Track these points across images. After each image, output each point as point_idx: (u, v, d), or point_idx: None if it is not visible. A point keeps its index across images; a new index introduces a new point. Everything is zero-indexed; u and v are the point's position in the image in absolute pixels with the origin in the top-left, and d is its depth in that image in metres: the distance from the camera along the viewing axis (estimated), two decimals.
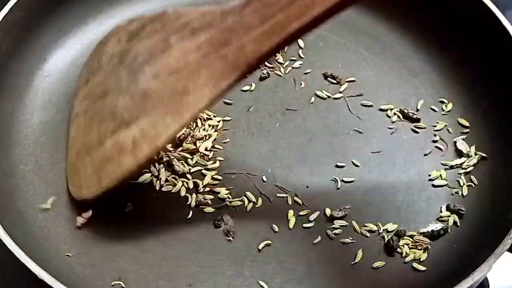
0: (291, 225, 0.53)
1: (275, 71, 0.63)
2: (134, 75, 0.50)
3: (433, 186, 0.56)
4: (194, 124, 0.59)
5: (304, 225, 0.54)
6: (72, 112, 0.57)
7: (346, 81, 0.62)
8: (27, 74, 0.60)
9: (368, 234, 0.53)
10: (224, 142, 0.58)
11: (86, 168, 0.51)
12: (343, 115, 0.60)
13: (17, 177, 0.55)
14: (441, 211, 0.55)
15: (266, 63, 0.63)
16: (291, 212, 0.54)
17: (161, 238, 0.52)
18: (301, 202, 0.55)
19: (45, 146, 0.57)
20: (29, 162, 0.56)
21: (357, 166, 0.57)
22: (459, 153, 0.58)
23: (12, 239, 0.46)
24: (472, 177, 0.57)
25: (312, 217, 0.54)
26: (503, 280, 0.53)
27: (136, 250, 0.52)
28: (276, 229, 0.53)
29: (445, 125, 0.60)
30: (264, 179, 0.56)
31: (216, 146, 0.58)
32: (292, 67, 0.63)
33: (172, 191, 0.55)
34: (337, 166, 0.57)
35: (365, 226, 0.54)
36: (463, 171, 0.57)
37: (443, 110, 0.61)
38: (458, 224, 0.54)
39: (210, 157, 0.57)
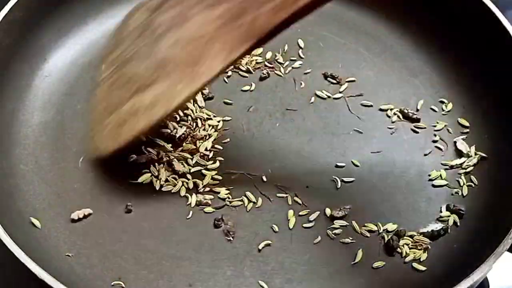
0: (291, 225, 0.53)
1: (275, 71, 0.63)
2: (154, 44, 0.53)
3: (433, 186, 0.56)
4: (194, 124, 0.59)
5: (304, 225, 0.54)
6: (98, 78, 0.59)
7: (346, 81, 0.62)
8: (27, 74, 0.60)
9: (368, 234, 0.53)
10: (224, 142, 0.58)
11: (106, 127, 0.54)
12: (343, 115, 0.60)
13: (17, 177, 0.55)
14: (441, 211, 0.55)
15: (266, 63, 0.63)
16: (291, 212, 0.54)
17: (161, 238, 0.52)
18: (301, 202, 0.55)
19: (45, 146, 0.57)
20: (29, 162, 0.56)
21: (357, 166, 0.57)
22: (459, 153, 0.58)
23: (12, 239, 0.46)
24: (472, 177, 0.57)
25: (312, 217, 0.54)
26: (503, 280, 0.53)
27: (136, 250, 0.52)
28: (276, 229, 0.53)
29: (445, 125, 0.60)
30: (264, 179, 0.56)
31: (216, 146, 0.58)
32: (292, 67, 0.63)
33: (172, 191, 0.55)
34: (337, 166, 0.57)
35: (365, 226, 0.54)
36: (463, 171, 0.57)
37: (443, 110, 0.61)
38: (458, 224, 0.54)
39: (210, 157, 0.57)
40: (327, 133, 0.59)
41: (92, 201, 0.54)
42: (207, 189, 0.55)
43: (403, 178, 0.57)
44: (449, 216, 0.54)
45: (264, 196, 0.55)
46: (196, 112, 0.59)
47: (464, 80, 0.62)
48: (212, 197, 0.55)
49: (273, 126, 0.59)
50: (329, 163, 0.57)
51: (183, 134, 0.57)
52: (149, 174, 0.55)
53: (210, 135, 0.58)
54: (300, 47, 0.65)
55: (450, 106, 0.61)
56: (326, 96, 0.61)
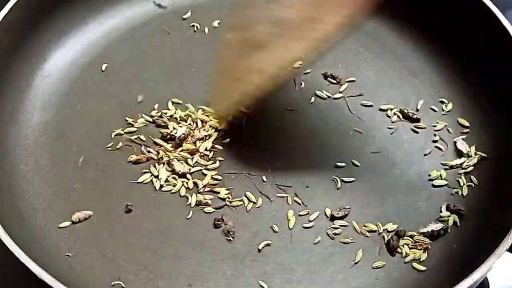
0: (291, 225, 0.53)
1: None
2: (273, 5, 0.54)
3: (433, 186, 0.56)
4: (194, 124, 0.59)
5: (304, 225, 0.54)
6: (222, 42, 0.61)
7: (346, 81, 0.62)
8: (27, 74, 0.60)
9: (368, 234, 0.53)
10: (224, 142, 0.58)
11: (225, 87, 0.58)
12: (343, 115, 0.60)
13: (17, 177, 0.55)
14: (441, 211, 0.55)
15: None
16: (291, 212, 0.54)
17: (161, 238, 0.52)
18: (301, 202, 0.55)
19: (45, 146, 0.57)
20: (29, 162, 0.56)
21: (357, 166, 0.57)
22: (459, 153, 0.58)
23: (12, 239, 0.46)
24: (472, 177, 0.57)
25: (312, 217, 0.54)
26: (503, 280, 0.53)
27: (136, 250, 0.52)
28: (276, 229, 0.53)
29: (445, 125, 0.60)
30: (264, 179, 0.56)
31: (216, 146, 0.58)
32: (292, 67, 0.63)
33: (172, 191, 0.55)
34: (337, 166, 0.57)
35: (365, 226, 0.54)
36: (463, 171, 0.57)
37: (443, 110, 0.61)
38: (458, 224, 0.54)
39: (210, 157, 0.57)
40: (327, 133, 0.59)
41: (92, 201, 0.54)
42: (207, 189, 0.55)
43: (403, 178, 0.57)
44: (449, 216, 0.54)
45: (264, 196, 0.55)
46: (196, 112, 0.59)
47: (464, 80, 0.62)
48: (212, 197, 0.55)
49: (273, 126, 0.59)
50: (329, 163, 0.57)
51: (183, 134, 0.57)
52: (149, 174, 0.55)
53: (210, 135, 0.58)
54: None
55: (450, 106, 0.61)
56: (326, 96, 0.61)
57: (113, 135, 0.58)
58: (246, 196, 0.55)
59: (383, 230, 0.53)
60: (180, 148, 0.57)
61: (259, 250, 0.52)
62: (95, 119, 0.59)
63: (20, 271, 0.45)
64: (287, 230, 0.53)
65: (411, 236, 0.53)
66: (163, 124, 0.59)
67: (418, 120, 0.60)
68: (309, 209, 0.54)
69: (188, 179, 0.55)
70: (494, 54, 0.60)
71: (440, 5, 0.64)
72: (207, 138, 0.58)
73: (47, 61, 0.62)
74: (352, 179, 0.56)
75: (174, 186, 0.55)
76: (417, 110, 0.61)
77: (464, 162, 0.58)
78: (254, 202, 0.55)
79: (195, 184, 0.55)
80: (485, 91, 0.61)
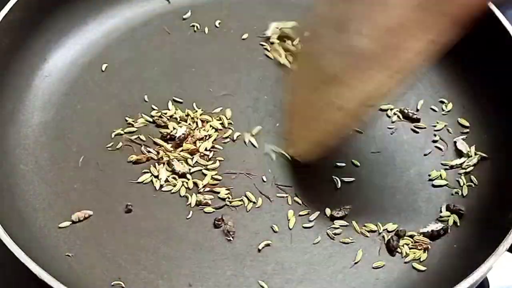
0: (291, 225, 0.53)
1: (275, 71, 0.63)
2: (347, 35, 0.50)
3: (433, 186, 0.56)
4: (194, 124, 0.59)
5: (304, 225, 0.54)
6: (288, 75, 0.58)
7: None
8: (27, 74, 0.60)
9: (368, 234, 0.53)
10: (224, 142, 0.58)
11: (299, 128, 0.54)
12: None
13: (17, 177, 0.55)
14: (441, 211, 0.55)
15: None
16: (291, 212, 0.54)
17: (161, 238, 0.52)
18: (301, 202, 0.55)
19: (45, 146, 0.57)
20: (29, 162, 0.56)
21: (357, 166, 0.57)
22: (459, 153, 0.58)
23: (12, 239, 0.46)
24: (472, 177, 0.57)
25: (312, 217, 0.54)
26: (503, 280, 0.53)
27: (136, 250, 0.52)
28: (276, 229, 0.53)
29: (445, 125, 0.60)
30: (264, 179, 0.56)
31: (216, 146, 0.58)
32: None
33: (172, 191, 0.55)
34: (337, 166, 0.57)
35: (365, 226, 0.54)
36: (463, 171, 0.57)
37: (443, 110, 0.61)
38: (458, 224, 0.54)
39: (210, 157, 0.57)
40: None
41: (92, 201, 0.54)
42: (207, 189, 0.55)
43: (403, 178, 0.57)
44: (449, 216, 0.54)
45: (264, 196, 0.55)
46: (196, 112, 0.59)
47: (464, 80, 0.62)
48: (212, 197, 0.55)
49: (273, 126, 0.59)
50: (329, 163, 0.57)
51: (183, 134, 0.57)
52: (149, 174, 0.55)
53: (210, 135, 0.58)
54: None
55: (450, 106, 0.61)
56: None
57: (113, 135, 0.58)
58: (246, 196, 0.55)
59: (383, 230, 0.53)
60: (180, 148, 0.57)
61: (259, 250, 0.52)
62: (95, 119, 0.59)
63: (20, 271, 0.45)
64: (287, 230, 0.53)
65: (411, 236, 0.53)
66: (163, 124, 0.59)
67: (418, 120, 0.60)
68: (309, 209, 0.54)
69: (188, 179, 0.55)
70: (494, 54, 0.60)
71: None
72: (207, 138, 0.58)
73: (47, 61, 0.62)
74: (352, 179, 0.56)
75: (174, 186, 0.55)
76: (417, 110, 0.61)
77: (464, 162, 0.58)
78: (254, 202, 0.55)
79: (195, 184, 0.55)
80: (485, 91, 0.61)
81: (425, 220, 0.54)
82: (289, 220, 0.54)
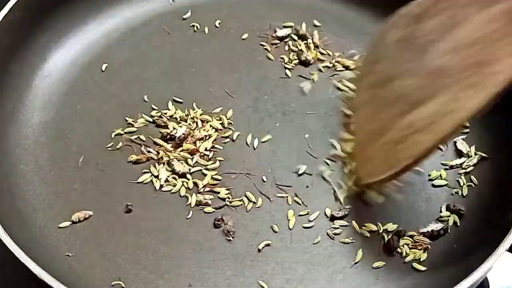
0: (291, 225, 0.53)
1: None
2: (424, 55, 0.49)
3: (433, 186, 0.56)
4: (194, 124, 0.59)
5: (304, 225, 0.54)
6: (353, 103, 0.57)
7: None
8: (27, 74, 0.60)
9: (368, 234, 0.53)
10: (224, 142, 0.58)
11: (376, 153, 0.52)
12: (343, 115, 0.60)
13: (17, 177, 0.55)
14: (441, 211, 0.55)
15: None
16: (291, 212, 0.54)
17: (161, 238, 0.52)
18: (301, 202, 0.55)
19: (45, 146, 0.57)
20: (29, 162, 0.56)
21: None
22: (459, 153, 0.58)
23: (12, 239, 0.46)
24: (472, 177, 0.57)
25: (312, 217, 0.54)
26: (503, 280, 0.53)
27: (136, 250, 0.52)
28: (276, 229, 0.53)
29: None
30: (264, 179, 0.56)
31: (216, 146, 0.58)
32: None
33: (172, 191, 0.55)
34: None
35: (365, 226, 0.54)
36: (463, 171, 0.57)
37: None
38: (458, 224, 0.54)
39: (210, 157, 0.57)
40: (327, 133, 0.59)
41: (92, 201, 0.54)
42: (207, 189, 0.55)
43: (403, 178, 0.57)
44: (449, 216, 0.54)
45: (264, 196, 0.55)
46: (196, 112, 0.59)
47: None
48: (212, 197, 0.55)
49: (273, 126, 0.59)
50: (329, 163, 0.57)
51: (183, 134, 0.57)
52: (149, 174, 0.55)
53: (210, 135, 0.58)
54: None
55: None
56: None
57: (113, 135, 0.58)
58: (246, 196, 0.55)
59: (383, 230, 0.53)
60: (180, 148, 0.57)
61: (259, 250, 0.52)
62: (95, 119, 0.59)
63: (20, 271, 0.45)
64: (287, 230, 0.53)
65: (411, 236, 0.53)
66: (163, 124, 0.59)
67: None
68: (309, 209, 0.54)
69: (188, 179, 0.55)
70: None
71: None
72: (207, 138, 0.58)
73: (47, 61, 0.62)
74: None
75: (174, 186, 0.55)
76: None
77: (464, 162, 0.58)
78: (254, 202, 0.55)
79: (195, 184, 0.55)
80: None
81: (425, 220, 0.54)
82: (289, 220, 0.54)
